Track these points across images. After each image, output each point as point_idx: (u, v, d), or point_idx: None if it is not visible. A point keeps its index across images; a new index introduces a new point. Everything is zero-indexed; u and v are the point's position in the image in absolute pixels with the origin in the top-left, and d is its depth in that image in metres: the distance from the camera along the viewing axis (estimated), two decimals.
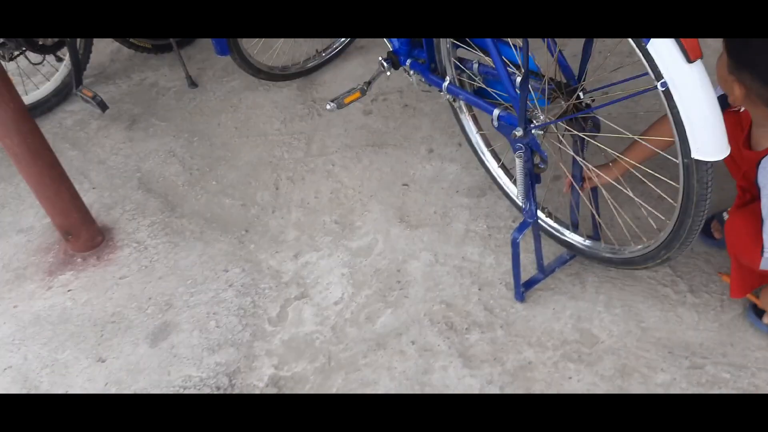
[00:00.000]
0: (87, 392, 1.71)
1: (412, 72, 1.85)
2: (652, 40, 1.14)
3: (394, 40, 1.88)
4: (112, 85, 2.78)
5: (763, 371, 1.45)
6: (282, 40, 2.62)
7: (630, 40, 1.19)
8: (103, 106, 2.45)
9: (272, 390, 1.68)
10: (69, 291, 1.98)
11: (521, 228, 1.62)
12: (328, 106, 1.98)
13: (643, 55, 1.18)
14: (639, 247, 1.51)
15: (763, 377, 1.44)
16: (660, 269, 1.69)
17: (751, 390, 1.43)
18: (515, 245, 1.63)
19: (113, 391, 1.70)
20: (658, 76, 1.17)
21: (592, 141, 1.50)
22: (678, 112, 1.17)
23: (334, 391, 1.64)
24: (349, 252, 1.97)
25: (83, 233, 2.04)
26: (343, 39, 2.67)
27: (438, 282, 1.82)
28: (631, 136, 1.47)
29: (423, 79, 1.83)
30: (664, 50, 1.14)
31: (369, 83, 2.02)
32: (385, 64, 1.91)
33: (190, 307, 1.89)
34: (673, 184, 1.34)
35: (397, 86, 2.44)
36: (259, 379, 1.70)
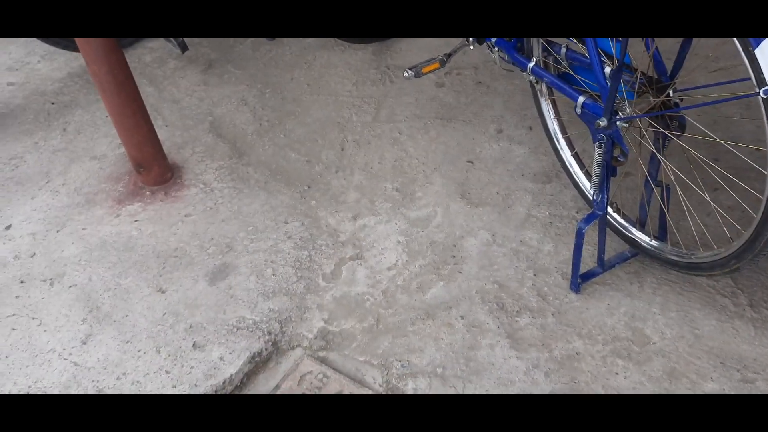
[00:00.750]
0: (145, 318, 1.77)
1: (496, 49, 1.84)
2: (762, 45, 1.12)
3: None
4: None
5: None
6: None
7: (736, 42, 1.17)
8: (183, 47, 2.49)
9: (320, 343, 1.72)
10: (136, 221, 2.05)
11: (589, 219, 1.62)
12: (405, 74, 1.98)
13: (748, 59, 1.16)
14: (708, 253, 1.49)
15: None
16: (721, 279, 1.67)
17: None
18: (580, 235, 1.62)
19: (171, 321, 1.77)
20: (761, 82, 1.15)
21: (676, 140, 1.48)
22: None
23: (380, 352, 1.68)
24: (407, 221, 1.99)
25: (155, 167, 2.10)
26: None
27: (493, 262, 1.83)
28: (718, 140, 1.45)
29: (507, 58, 1.82)
30: None
31: (449, 55, 2.01)
32: (468, 38, 1.90)
33: (249, 253, 1.94)
34: (756, 194, 1.32)
35: (473, 62, 2.43)
36: (308, 330, 1.75)
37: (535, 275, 1.78)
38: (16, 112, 2.52)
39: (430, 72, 2.00)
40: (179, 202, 2.10)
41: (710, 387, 1.49)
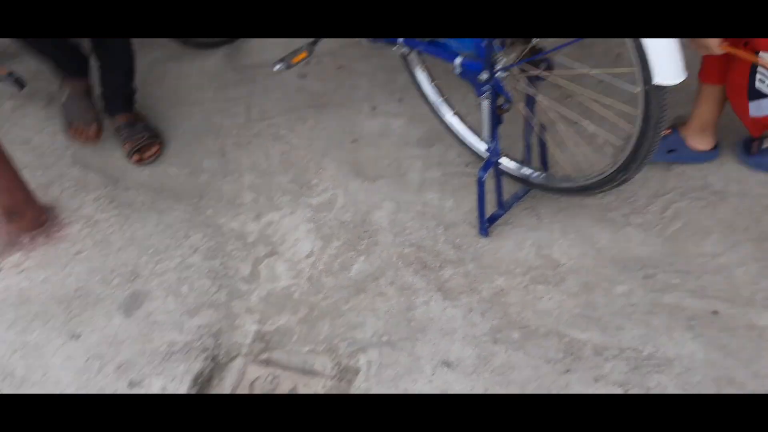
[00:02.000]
0: (67, 370, 1.65)
1: None
2: None
3: None
4: (18, 63, 2.61)
5: (706, 274, 1.67)
6: None
7: None
8: (20, 84, 2.30)
9: (260, 346, 1.71)
10: (22, 271, 1.89)
11: (486, 167, 1.75)
12: (275, 68, 1.99)
13: None
14: (595, 173, 1.68)
15: (706, 279, 1.66)
16: (603, 196, 1.88)
17: (698, 290, 1.64)
18: (481, 184, 1.75)
19: (96, 365, 1.66)
20: None
21: (548, 79, 1.64)
22: (640, 44, 1.33)
23: (322, 338, 1.70)
24: (312, 208, 2.01)
25: (28, 212, 1.95)
26: None
27: (404, 227, 1.92)
28: (587, 71, 1.63)
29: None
30: None
31: (314, 43, 2.06)
32: None
33: (158, 275, 1.86)
34: (630, 109, 1.51)
35: (330, 48, 2.48)
36: (244, 337, 1.73)
37: (445, 230, 1.89)
38: None
39: (300, 61, 2.03)
40: (64, 241, 1.97)
41: (621, 289, 1.69)
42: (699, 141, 1.87)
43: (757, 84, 1.66)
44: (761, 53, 1.57)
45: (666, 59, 1.33)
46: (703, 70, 1.77)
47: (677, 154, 1.90)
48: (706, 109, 1.83)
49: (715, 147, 1.88)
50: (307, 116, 2.30)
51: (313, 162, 2.14)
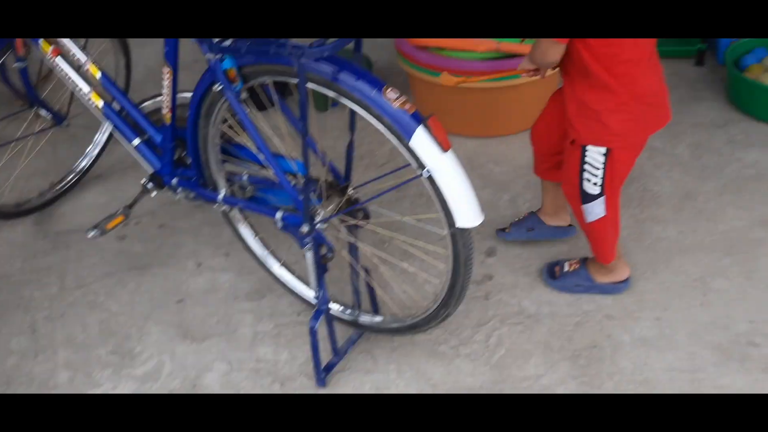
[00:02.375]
0: None
1: (180, 189, 1.91)
2: (413, 138, 1.42)
3: (155, 160, 1.93)
4: None
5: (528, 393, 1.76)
6: (12, 176, 2.44)
7: (393, 139, 1.46)
8: None
9: None
10: None
11: (316, 316, 1.76)
12: (89, 234, 1.93)
13: (406, 150, 1.45)
14: (420, 312, 1.75)
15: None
16: (432, 331, 1.95)
17: None
18: (313, 333, 1.75)
19: None
20: (421, 165, 1.45)
21: (366, 227, 1.72)
22: (441, 192, 1.46)
23: None
24: (136, 380, 1.88)
25: None
26: (78, 170, 2.59)
27: (238, 388, 1.84)
28: (399, 218, 1.73)
29: (193, 195, 1.90)
30: (423, 145, 1.42)
31: (131, 206, 2.02)
32: (148, 185, 1.94)
33: None
34: (443, 250, 1.61)
35: (149, 208, 2.44)
36: None
37: (282, 386, 1.84)
38: None
39: (115, 226, 1.98)
40: None
41: None
42: (554, 220, 2.11)
43: (585, 184, 1.77)
44: (588, 147, 1.72)
45: (464, 205, 1.46)
46: (535, 165, 2.02)
47: (536, 232, 2.14)
48: (551, 197, 2.07)
49: (570, 225, 2.12)
50: (127, 280, 2.19)
51: (136, 328, 2.03)
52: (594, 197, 1.78)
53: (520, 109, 2.63)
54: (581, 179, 1.77)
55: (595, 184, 1.76)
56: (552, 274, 2.04)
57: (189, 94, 1.72)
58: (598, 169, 1.74)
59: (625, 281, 1.99)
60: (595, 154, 1.72)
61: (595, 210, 1.81)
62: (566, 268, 2.03)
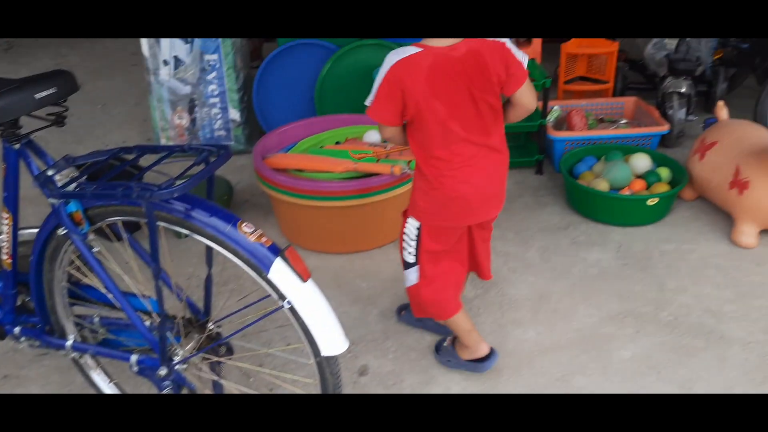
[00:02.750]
0: None
1: (23, 339, 1.77)
2: (271, 270, 1.42)
3: None
4: None
5: None
6: None
7: (252, 272, 1.45)
8: None
9: None
10: None
11: None
12: None
13: (266, 282, 1.44)
14: None
15: None
16: None
17: None
18: None
19: None
20: (282, 297, 1.44)
21: (230, 362, 1.66)
22: (304, 322, 1.44)
23: None
24: None
25: None
26: None
27: None
28: (264, 351, 1.69)
29: (38, 344, 1.76)
30: (282, 276, 1.42)
31: None
32: None
33: None
34: (308, 380, 1.58)
35: None
36: None
37: None
38: None
39: None
40: None
41: None
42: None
43: (404, 252, 1.98)
44: (409, 218, 1.92)
45: (328, 333, 1.46)
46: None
47: (423, 322, 2.28)
48: None
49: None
50: None
51: None
52: (410, 265, 1.98)
53: (382, 224, 2.71)
54: (402, 247, 1.97)
55: (410, 253, 1.96)
56: (437, 348, 2.18)
57: (33, 231, 1.63)
58: (413, 240, 1.93)
59: (487, 359, 2.08)
60: (411, 226, 1.93)
61: (410, 277, 1.99)
62: (444, 343, 2.17)
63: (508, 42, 1.76)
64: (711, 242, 2.75)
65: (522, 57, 1.78)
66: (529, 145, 3.41)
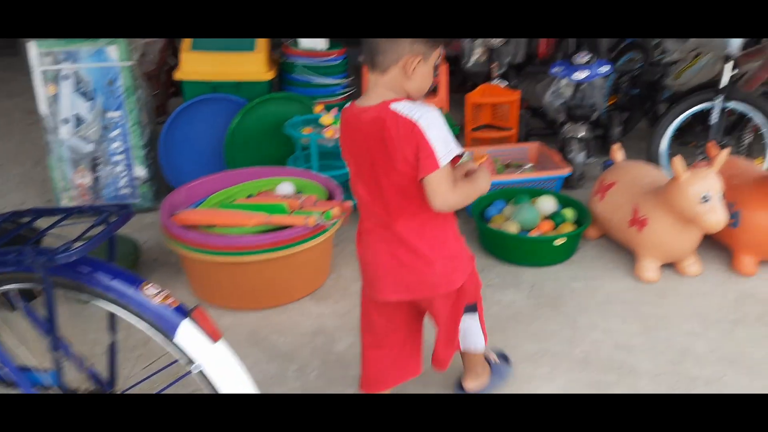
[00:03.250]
0: None
1: None
2: (177, 333, 1.36)
3: None
4: None
5: None
6: None
7: (158, 336, 1.38)
8: None
9: None
10: None
11: None
12: None
13: (173, 348, 1.37)
14: None
15: None
16: None
17: None
18: None
19: None
20: (190, 361, 1.37)
21: None
22: (214, 386, 1.38)
23: None
24: None
25: None
26: None
27: None
28: None
29: None
30: (190, 339, 1.36)
31: None
32: None
33: None
34: None
35: None
36: None
37: None
38: None
39: None
40: None
41: None
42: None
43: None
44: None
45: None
46: None
47: None
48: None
49: None
50: None
51: None
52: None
53: (297, 277, 2.67)
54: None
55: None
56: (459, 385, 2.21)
57: None
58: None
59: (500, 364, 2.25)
60: None
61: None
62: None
63: (425, 122, 1.52)
64: (616, 278, 2.87)
65: (442, 144, 1.52)
66: None
